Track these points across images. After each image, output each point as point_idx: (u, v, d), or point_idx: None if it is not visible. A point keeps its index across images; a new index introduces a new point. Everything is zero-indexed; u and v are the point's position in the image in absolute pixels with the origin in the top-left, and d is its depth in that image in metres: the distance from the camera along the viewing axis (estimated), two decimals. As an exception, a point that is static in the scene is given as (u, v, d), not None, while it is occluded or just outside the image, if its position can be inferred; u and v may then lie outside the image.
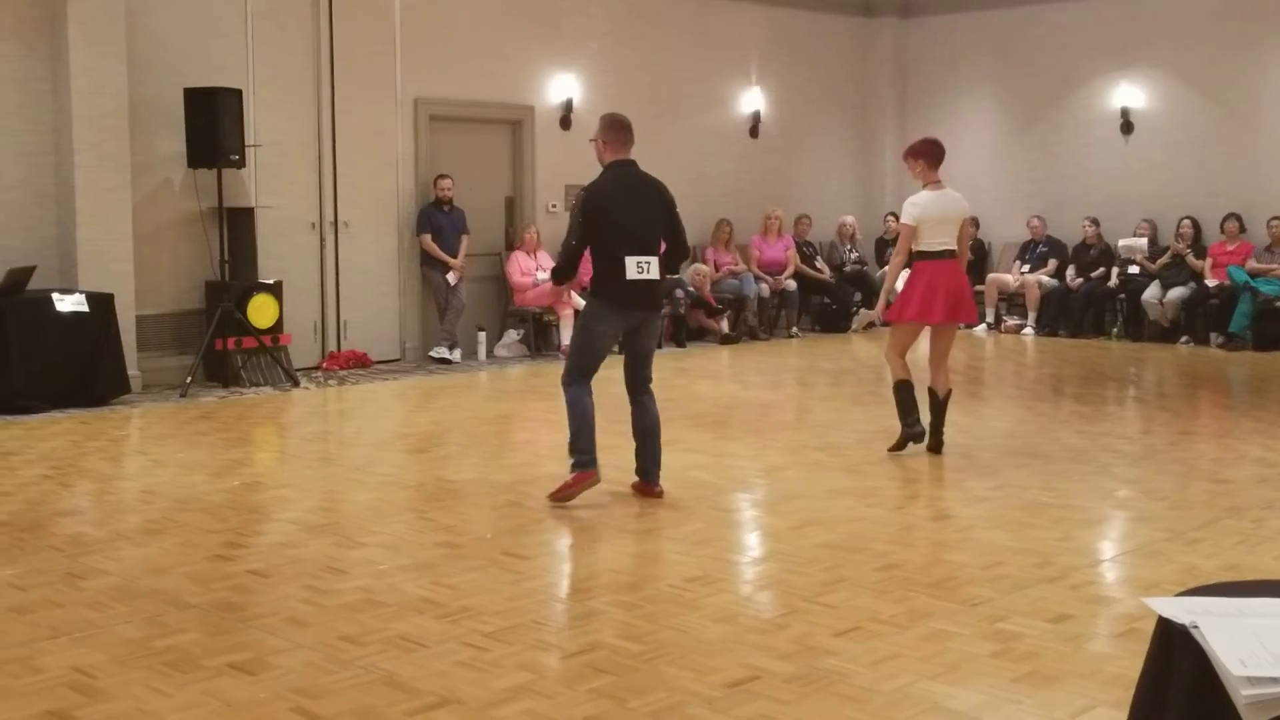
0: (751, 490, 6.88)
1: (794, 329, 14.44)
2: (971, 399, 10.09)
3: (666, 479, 6.87)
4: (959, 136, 15.85)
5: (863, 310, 14.98)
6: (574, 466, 6.32)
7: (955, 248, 7.53)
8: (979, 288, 14.85)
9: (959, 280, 7.53)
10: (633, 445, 6.53)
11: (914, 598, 4.82)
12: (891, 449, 7.55)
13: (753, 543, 5.91)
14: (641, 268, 6.22)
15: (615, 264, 6.18)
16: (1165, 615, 2.25)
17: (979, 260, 15.14)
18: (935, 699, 3.85)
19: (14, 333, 8.99)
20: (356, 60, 11.62)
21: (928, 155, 7.59)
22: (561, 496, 6.30)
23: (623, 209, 6.20)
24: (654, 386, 6.60)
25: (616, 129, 6.40)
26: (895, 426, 8.53)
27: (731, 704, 3.80)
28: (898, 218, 15.53)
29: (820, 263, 14.99)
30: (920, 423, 7.52)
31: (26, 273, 9.27)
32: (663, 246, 6.41)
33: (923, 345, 7.97)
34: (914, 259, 7.57)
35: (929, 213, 7.43)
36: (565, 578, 5.43)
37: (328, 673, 4.06)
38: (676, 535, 5.81)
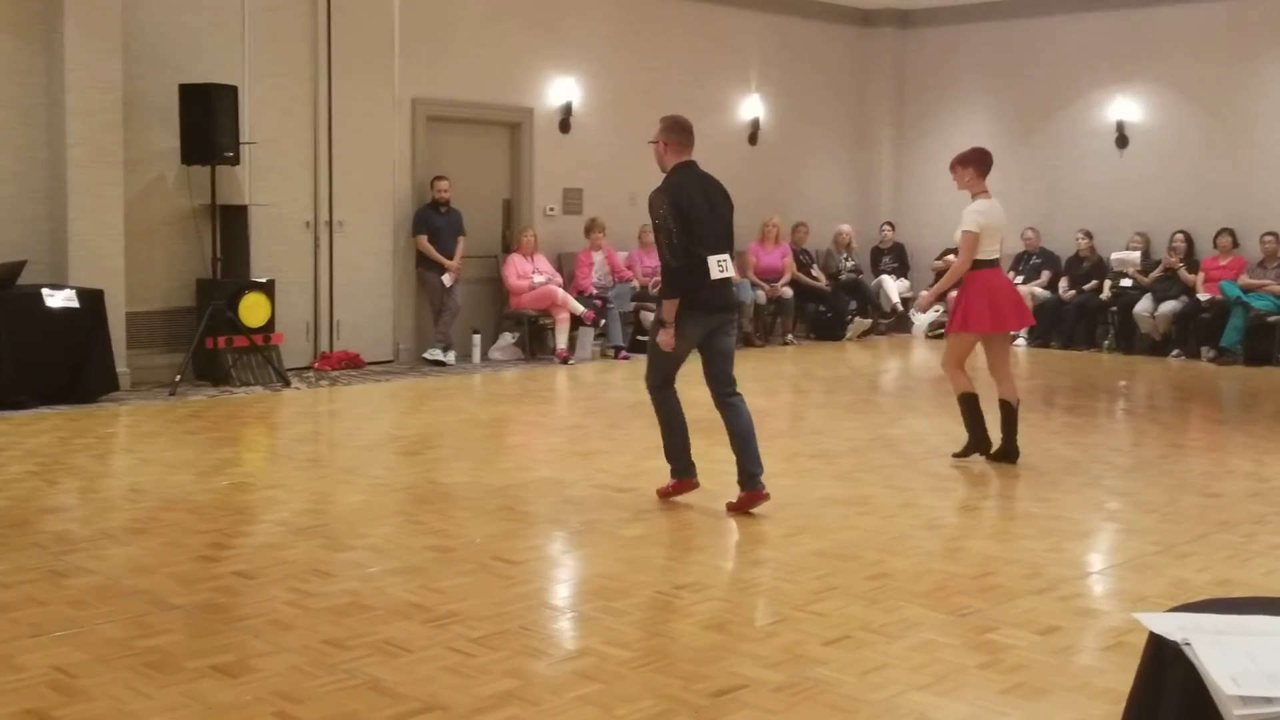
0: (743, 497, 6.84)
1: (789, 336, 14.42)
2: (965, 409, 10.08)
3: (661, 484, 6.85)
4: (955, 147, 15.60)
5: (857, 319, 15.02)
6: (672, 474, 6.44)
7: (999, 257, 7.59)
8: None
9: (1010, 289, 7.63)
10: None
11: (904, 607, 4.79)
12: (958, 455, 7.58)
13: (744, 550, 5.87)
14: (722, 266, 6.18)
15: (699, 264, 6.10)
16: (1157, 631, 2.22)
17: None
18: (923, 710, 3.82)
19: (3, 328, 8.94)
20: (354, 58, 11.58)
21: (978, 163, 7.55)
22: (663, 496, 6.46)
23: (701, 208, 6.16)
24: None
25: (680, 131, 6.35)
26: (890, 435, 8.54)
27: (719, 712, 3.77)
28: (894, 227, 15.75)
29: (817, 271, 14.98)
30: (988, 436, 7.53)
31: (17, 267, 9.22)
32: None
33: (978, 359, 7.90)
34: (974, 267, 7.45)
35: (991, 220, 7.41)
36: (555, 583, 5.39)
37: (311, 677, 4.02)
38: (667, 541, 5.77)
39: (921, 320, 15.17)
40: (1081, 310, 13.95)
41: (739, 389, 6.40)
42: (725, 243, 6.28)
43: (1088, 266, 14.13)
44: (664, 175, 6.33)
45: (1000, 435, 7.55)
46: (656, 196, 6.21)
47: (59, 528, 5.88)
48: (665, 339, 6.22)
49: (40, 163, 9.78)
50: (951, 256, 15.07)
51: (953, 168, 7.67)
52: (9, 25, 9.60)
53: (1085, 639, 4.56)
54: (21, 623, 4.48)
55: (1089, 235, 14.15)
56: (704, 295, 6.16)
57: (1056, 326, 14.05)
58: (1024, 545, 5.71)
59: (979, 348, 7.67)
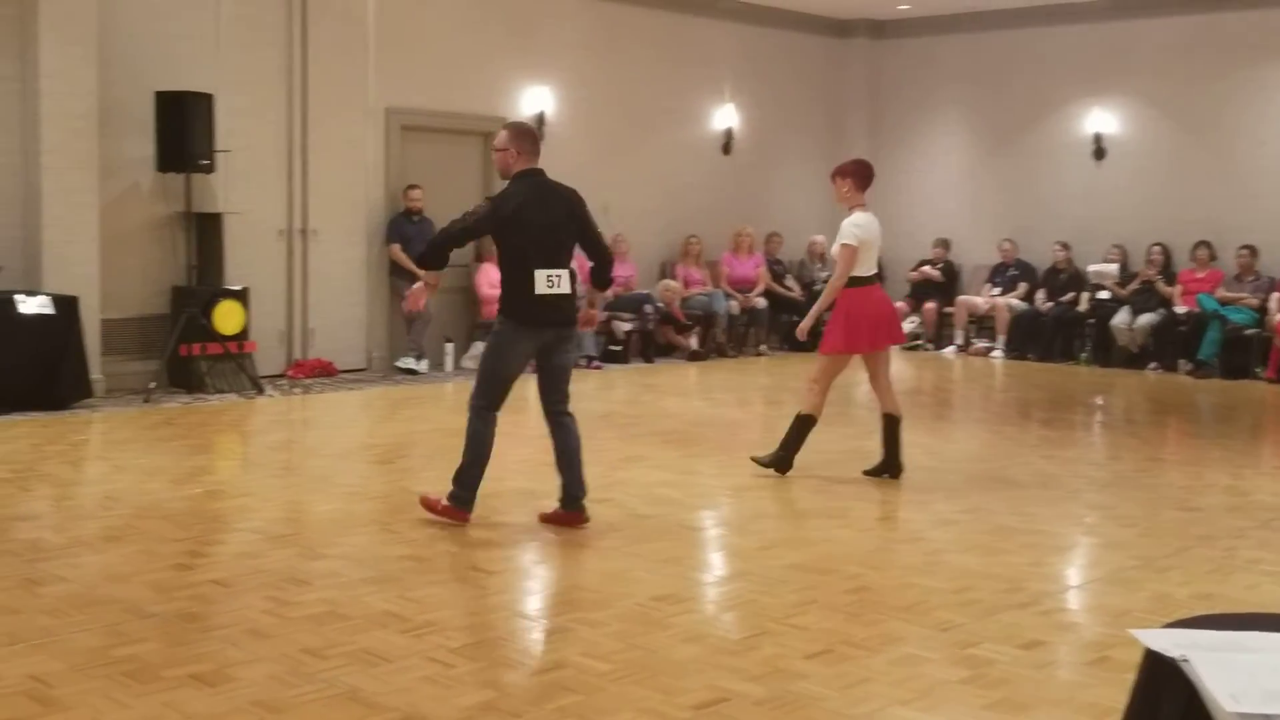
0: (719, 509, 6.84)
1: (763, 347, 14.43)
2: (940, 421, 10.12)
3: (635, 495, 6.85)
4: (931, 159, 15.94)
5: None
6: (450, 497, 6.14)
7: (878, 273, 7.46)
8: (948, 309, 14.95)
9: (886, 304, 7.46)
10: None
11: (885, 621, 4.79)
12: (769, 465, 7.35)
13: (721, 562, 5.87)
14: (552, 281, 5.96)
15: (525, 277, 5.94)
16: (1153, 648, 2.21)
17: (949, 281, 15.21)
18: (906, 724, 3.82)
19: (-26, 333, 8.86)
20: (329, 67, 11.53)
21: (856, 175, 7.31)
22: (427, 507, 6.18)
23: (533, 219, 5.96)
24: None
25: (527, 137, 6.15)
26: (864, 447, 8.54)
27: (700, 726, 3.76)
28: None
29: (790, 281, 15.00)
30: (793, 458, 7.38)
31: (-11, 273, 9.14)
32: (576, 260, 6.24)
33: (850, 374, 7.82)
34: (849, 284, 7.27)
35: (870, 234, 7.25)
36: (531, 594, 5.37)
37: (290, 686, 3.98)
38: (644, 553, 5.75)
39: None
40: (1059, 322, 14.02)
41: (571, 408, 6.25)
42: (560, 257, 6.04)
43: (1065, 278, 14.20)
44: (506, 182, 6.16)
45: (883, 449, 7.42)
46: (484, 200, 6.21)
47: (32, 535, 5.81)
48: (413, 293, 6.30)
49: (14, 169, 9.69)
50: (927, 268, 15.21)
51: (832, 178, 7.51)
52: (-18, 29, 9.52)
53: (1068, 653, 4.57)
54: (-5, 632, 4.43)
55: (1066, 247, 14.23)
56: (532, 310, 5.99)
57: (1033, 339, 14.10)
58: (1004, 559, 5.72)
59: (856, 362, 7.57)
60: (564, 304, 6.06)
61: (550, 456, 7.99)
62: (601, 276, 6.39)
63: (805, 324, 7.61)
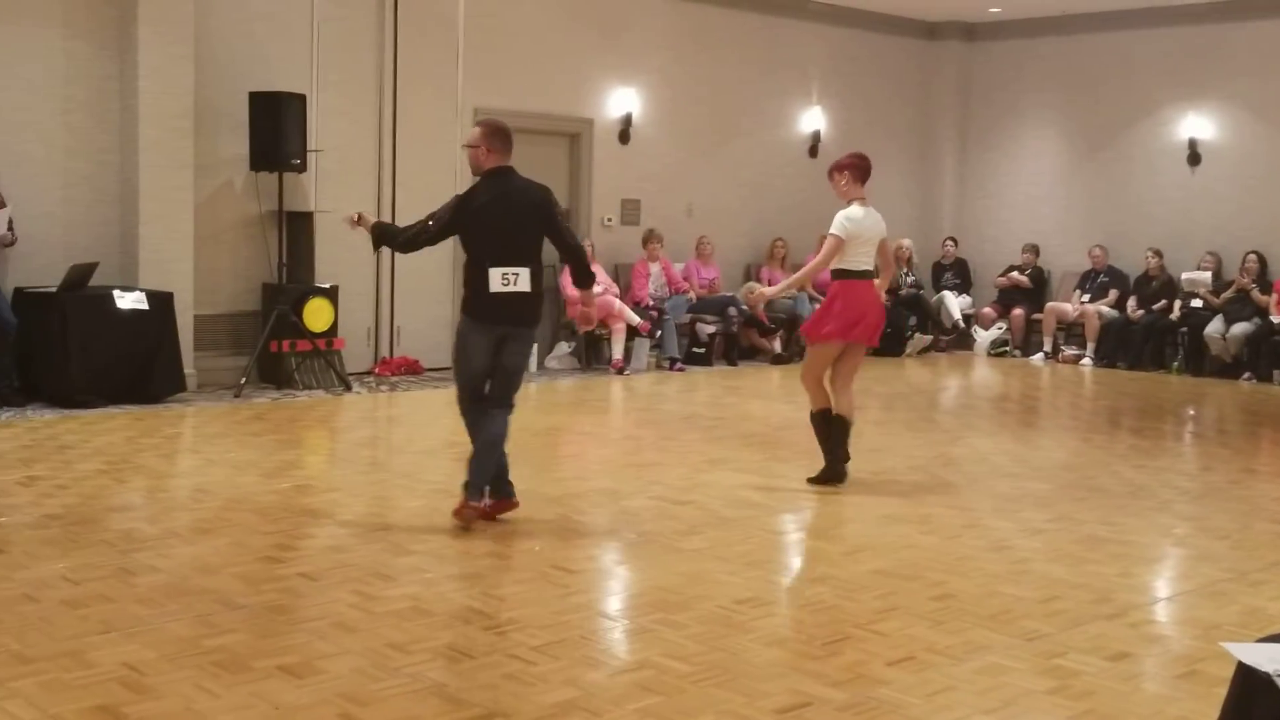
0: (802, 513, 6.81)
1: (847, 351, 14.30)
2: (1027, 429, 9.98)
3: (718, 498, 6.84)
4: (1021, 163, 15.72)
5: (917, 335, 14.90)
6: (490, 492, 6.17)
7: (873, 269, 7.39)
8: (1036, 316, 14.74)
9: (877, 302, 7.36)
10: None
11: (969, 629, 4.73)
12: (814, 480, 7.23)
13: (804, 566, 5.84)
14: (507, 280, 5.94)
15: (481, 274, 5.98)
16: (1246, 662, 2.17)
17: (1038, 288, 14.99)
18: (990, 734, 3.77)
19: (74, 328, 9.09)
20: (419, 68, 11.67)
21: (853, 169, 7.30)
22: (481, 514, 6.13)
23: (495, 217, 5.97)
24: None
25: (499, 135, 6.12)
26: (952, 454, 8.46)
27: (782, 730, 3.74)
28: (956, 242, 15.63)
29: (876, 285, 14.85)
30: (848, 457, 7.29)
31: (89, 269, 9.37)
32: (539, 260, 6.11)
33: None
34: (835, 276, 7.31)
35: (861, 228, 7.21)
36: (613, 594, 5.38)
37: (375, 680, 4.03)
38: (726, 556, 5.74)
39: (984, 337, 15.03)
40: (1149, 331, 13.74)
41: (512, 410, 6.21)
42: (520, 256, 6.00)
43: (1157, 286, 13.92)
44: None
45: (825, 453, 7.28)
46: (454, 197, 6.23)
47: (127, 526, 5.96)
48: (353, 218, 6.42)
49: (113, 166, 9.94)
50: (1015, 274, 15.00)
51: (830, 174, 7.47)
52: (85, 31, 9.77)
53: (1156, 666, 4.48)
54: (91, 619, 4.54)
55: (1159, 254, 13.94)
56: (485, 307, 5.99)
57: (1123, 347, 13.85)
58: (1092, 569, 5.63)
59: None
60: (519, 303, 6.02)
61: (633, 457, 8.05)
62: (579, 276, 6.39)
63: (770, 292, 8.11)
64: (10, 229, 9.20)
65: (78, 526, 5.86)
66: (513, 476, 6.23)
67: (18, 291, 9.37)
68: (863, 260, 7.24)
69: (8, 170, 9.38)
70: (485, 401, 6.15)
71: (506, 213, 6.00)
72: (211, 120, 10.37)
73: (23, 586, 4.91)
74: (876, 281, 7.48)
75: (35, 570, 5.14)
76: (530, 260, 6.05)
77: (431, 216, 6.15)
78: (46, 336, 9.12)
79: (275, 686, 3.95)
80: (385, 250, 11.37)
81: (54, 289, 9.25)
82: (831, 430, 7.27)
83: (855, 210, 7.23)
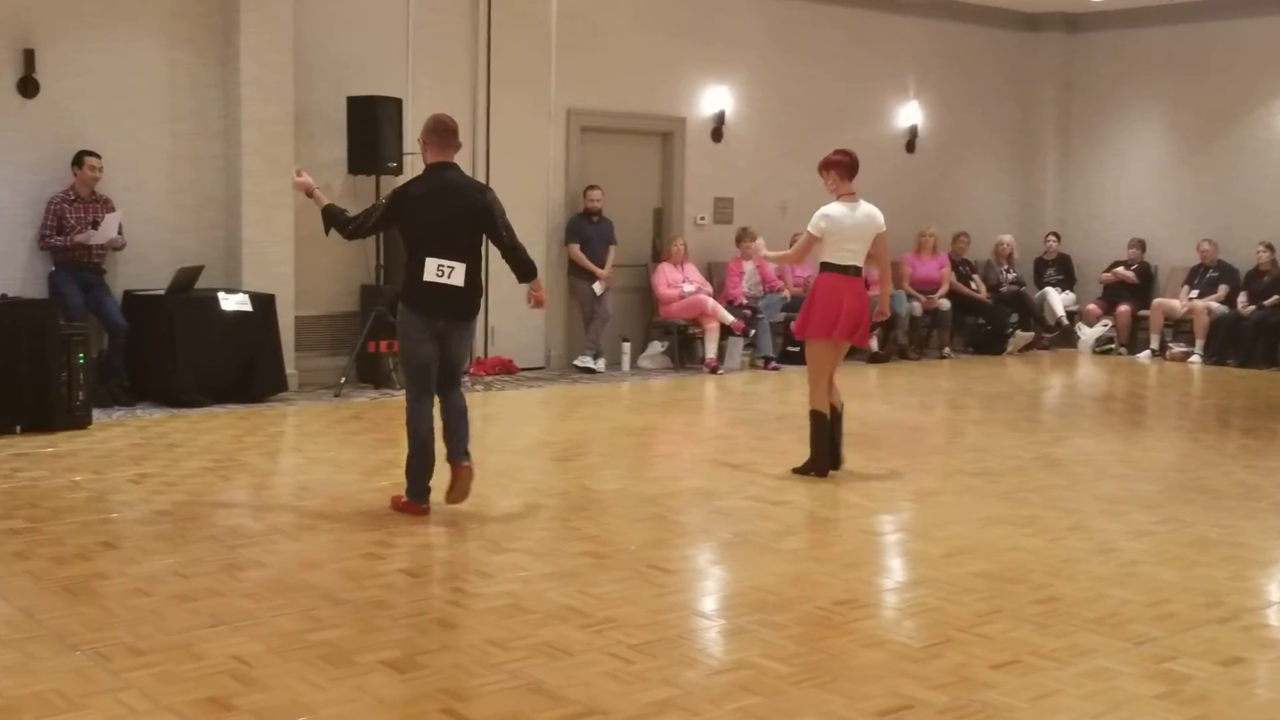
0: (902, 513, 6.72)
1: (946, 349, 14.15)
2: (1134, 428, 9.76)
3: (816, 498, 6.79)
4: (1126, 156, 15.39)
5: (1019, 332, 14.67)
6: (408, 492, 6.28)
7: (861, 265, 7.38)
8: (1143, 313, 14.41)
9: (861, 299, 7.31)
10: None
11: (1075, 632, 4.64)
12: (798, 470, 7.36)
13: (904, 568, 5.76)
14: (442, 271, 6.08)
15: (417, 265, 6.11)
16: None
17: (1144, 283, 14.66)
18: (1098, 739, 3.69)
19: (181, 330, 9.30)
20: (512, 71, 11.75)
21: (839, 166, 7.38)
22: (394, 507, 6.31)
23: (431, 210, 6.10)
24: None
25: (439, 131, 6.27)
26: (1056, 454, 8.33)
27: (883, 732, 3.70)
28: (1059, 238, 15.35)
29: (977, 282, 14.65)
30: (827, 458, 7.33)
31: (195, 272, 9.59)
32: (477, 256, 6.27)
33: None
34: (820, 270, 7.38)
35: (840, 225, 7.23)
36: (710, 594, 5.36)
37: (475, 676, 4.07)
38: (824, 556, 5.69)
39: (1089, 335, 14.74)
40: (1261, 327, 13.34)
41: (460, 389, 6.40)
42: (455, 250, 6.11)
43: (1268, 281, 13.50)
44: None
45: (808, 448, 7.35)
46: (392, 190, 6.39)
47: (233, 522, 6.08)
48: (304, 183, 6.61)
49: (217, 171, 10.16)
50: (1120, 269, 14.69)
51: (819, 171, 7.54)
52: (188, 41, 9.99)
53: (1270, 672, 4.35)
54: (201, 613, 4.64)
55: (1270, 248, 13.52)
56: (421, 297, 6.11)
57: (1233, 344, 13.46)
58: (1202, 572, 5.48)
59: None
60: (455, 296, 6.15)
61: (728, 457, 8.02)
62: (518, 271, 6.47)
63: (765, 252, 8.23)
64: (120, 233, 9.44)
65: (186, 523, 6.00)
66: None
67: (127, 294, 9.62)
68: (846, 255, 7.31)
69: (118, 176, 9.64)
70: (439, 388, 6.31)
71: (441, 206, 6.15)
72: (311, 125, 10.55)
73: (135, 581, 5.04)
74: (875, 283, 7.61)
75: (146, 565, 5.27)
76: (465, 255, 6.18)
77: (374, 205, 6.42)
78: (155, 338, 9.36)
79: (378, 681, 4.00)
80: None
81: (162, 292, 9.49)
82: (812, 427, 7.36)
83: (834, 207, 7.32)
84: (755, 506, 6.63)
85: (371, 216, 6.30)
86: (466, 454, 6.27)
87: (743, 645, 4.49)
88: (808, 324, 7.35)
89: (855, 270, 7.34)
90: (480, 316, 11.45)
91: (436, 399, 6.30)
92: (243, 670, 4.06)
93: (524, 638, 4.45)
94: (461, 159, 11.32)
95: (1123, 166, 15.42)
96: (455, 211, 6.18)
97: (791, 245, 13.36)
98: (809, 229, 7.33)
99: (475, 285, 6.24)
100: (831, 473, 7.30)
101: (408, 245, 6.23)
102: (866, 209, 7.37)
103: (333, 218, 6.40)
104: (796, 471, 7.36)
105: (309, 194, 6.58)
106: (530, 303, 6.67)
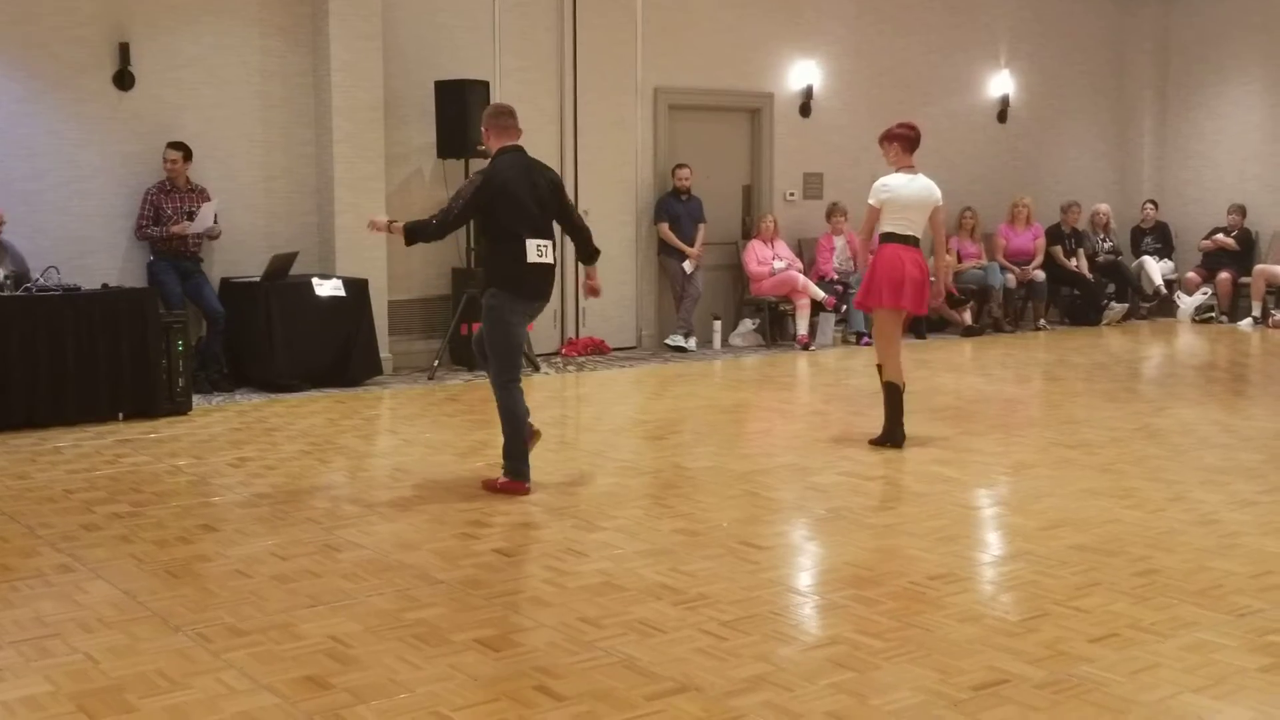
0: (997, 487, 6.63)
1: (1041, 321, 13.91)
2: (1237, 397, 9.52)
3: (910, 473, 6.73)
4: (1225, 119, 14.98)
5: (1114, 303, 14.37)
6: (505, 472, 6.32)
7: (919, 235, 7.43)
8: (1244, 280, 14.03)
9: (923, 269, 7.41)
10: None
11: (1176, 605, 4.54)
12: (874, 441, 7.46)
13: (999, 542, 5.69)
14: (541, 250, 6.14)
15: (517, 246, 6.09)
16: None
17: (1245, 250, 14.26)
18: (1200, 713, 3.61)
19: (277, 315, 9.47)
20: (599, 51, 11.76)
21: (902, 139, 7.45)
22: (488, 489, 6.33)
23: (522, 191, 6.12)
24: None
25: (501, 115, 6.35)
26: (1156, 425, 8.17)
27: (978, 707, 3.66)
28: (1157, 206, 15.00)
29: (1080, 257, 14.33)
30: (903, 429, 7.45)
31: (290, 258, 9.75)
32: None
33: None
34: (880, 241, 7.45)
35: (898, 195, 7.30)
36: (803, 570, 5.34)
37: (569, 653, 4.10)
38: (918, 531, 5.64)
39: (1189, 303, 14.39)
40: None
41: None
42: (546, 229, 6.21)
43: (1374, 245, 13.11)
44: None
45: (884, 418, 7.43)
46: (475, 174, 6.29)
47: (330, 504, 6.19)
48: (378, 224, 6.53)
49: (309, 159, 10.33)
50: (1220, 236, 14.31)
51: (880, 143, 7.59)
52: (279, 29, 10.15)
53: (1382, 645, 4.22)
54: (299, 593, 4.73)
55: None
56: (524, 279, 6.14)
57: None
58: (1309, 543, 5.34)
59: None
60: (550, 275, 6.29)
61: (821, 433, 7.98)
62: (584, 251, 6.52)
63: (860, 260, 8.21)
64: (216, 222, 9.64)
65: (285, 505, 6.13)
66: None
67: (224, 282, 9.83)
68: (905, 225, 7.39)
69: (213, 165, 9.84)
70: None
71: (530, 185, 6.19)
72: (400, 110, 10.67)
73: (235, 563, 5.15)
74: (935, 256, 7.69)
75: (246, 547, 5.39)
76: (551, 234, 6.29)
77: (453, 200, 6.29)
78: (252, 324, 9.55)
79: (473, 659, 4.05)
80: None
81: (257, 279, 9.67)
82: (884, 398, 7.45)
83: (893, 177, 7.40)
84: (848, 482, 6.59)
85: (454, 209, 6.25)
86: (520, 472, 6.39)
87: (836, 620, 4.47)
88: (871, 294, 7.42)
89: (915, 240, 7.46)
90: (571, 297, 11.74)
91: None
92: (340, 649, 4.13)
93: (617, 615, 4.47)
94: (550, 141, 11.57)
95: (1221, 130, 15.00)
96: (540, 191, 6.24)
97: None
98: (869, 201, 7.42)
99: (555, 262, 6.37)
100: (889, 449, 7.38)
101: (500, 229, 6.20)
102: (924, 181, 7.46)
103: (415, 231, 6.37)
104: (874, 443, 7.42)
105: (388, 230, 6.58)
106: (586, 292, 6.74)
